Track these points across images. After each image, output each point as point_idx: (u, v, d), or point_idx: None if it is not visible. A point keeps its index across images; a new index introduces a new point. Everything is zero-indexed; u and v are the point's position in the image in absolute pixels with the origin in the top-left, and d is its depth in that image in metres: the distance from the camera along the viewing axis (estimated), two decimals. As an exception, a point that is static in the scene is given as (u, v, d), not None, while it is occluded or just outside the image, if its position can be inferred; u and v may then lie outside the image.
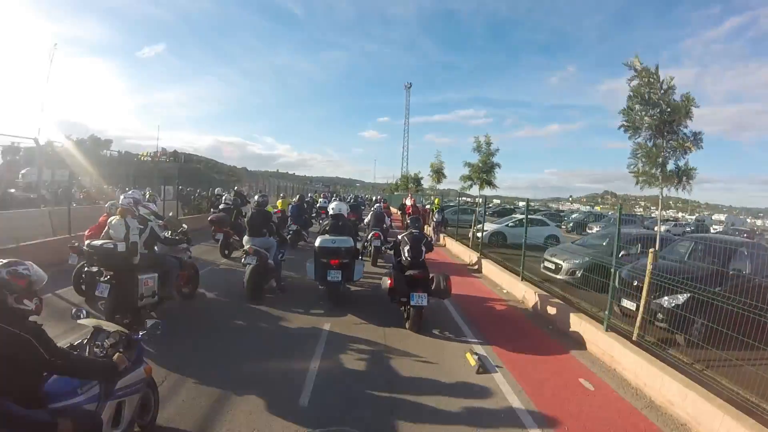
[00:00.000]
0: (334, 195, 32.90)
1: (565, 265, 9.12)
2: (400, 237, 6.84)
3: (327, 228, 7.22)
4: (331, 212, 7.49)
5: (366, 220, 12.35)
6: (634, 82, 6.80)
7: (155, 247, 5.62)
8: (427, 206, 21.68)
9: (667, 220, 40.13)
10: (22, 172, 20.13)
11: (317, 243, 6.90)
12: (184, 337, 5.11)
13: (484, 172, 14.19)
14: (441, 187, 39.41)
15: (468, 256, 12.44)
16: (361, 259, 7.66)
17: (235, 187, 18.46)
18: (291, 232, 11.89)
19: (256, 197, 8.09)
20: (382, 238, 10.85)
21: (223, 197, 12.56)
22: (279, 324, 5.86)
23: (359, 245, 8.55)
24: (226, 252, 9.95)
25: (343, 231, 7.13)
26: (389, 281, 6.11)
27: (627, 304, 6.06)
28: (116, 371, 2.58)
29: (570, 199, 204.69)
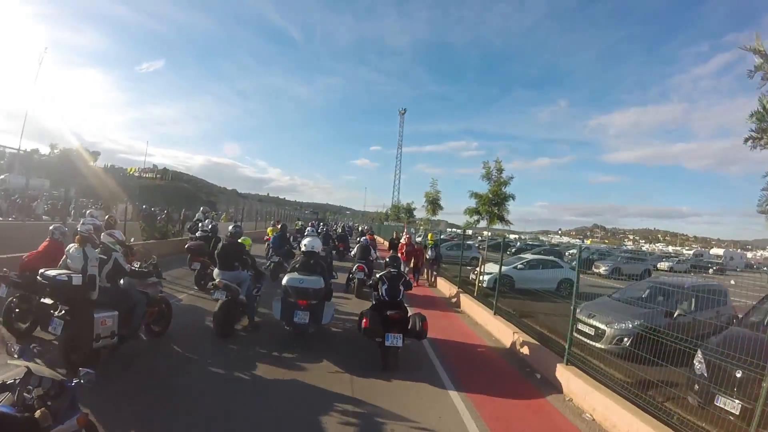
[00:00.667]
0: (322, 223, 30.63)
1: (609, 331, 6.96)
2: (378, 275, 6.81)
3: (297, 265, 6.82)
4: (302, 248, 7.09)
5: (353, 252, 12.62)
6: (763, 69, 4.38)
7: (120, 281, 5.26)
8: (418, 239, 18.51)
9: (669, 255, 39.65)
10: (1, 177, 19.59)
11: (284, 281, 6.54)
12: (130, 382, 4.66)
13: (494, 204, 11.83)
14: (435, 218, 38.42)
15: (475, 310, 9.78)
16: (332, 302, 7.14)
17: (201, 208, 17.79)
18: (272, 264, 11.42)
19: (229, 228, 7.67)
20: (366, 270, 10.89)
21: (202, 223, 12.08)
22: (244, 371, 5.31)
23: (356, 275, 10.72)
24: (202, 282, 9.34)
25: (314, 269, 6.67)
26: (364, 321, 5.97)
27: (725, 404, 4.20)
28: (37, 429, 2.34)
29: (559, 232, 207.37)
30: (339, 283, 11.04)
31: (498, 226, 12.41)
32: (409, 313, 6.13)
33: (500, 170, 11.89)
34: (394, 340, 5.73)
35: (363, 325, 5.96)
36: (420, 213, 34.06)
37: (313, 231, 14.64)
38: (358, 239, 19.85)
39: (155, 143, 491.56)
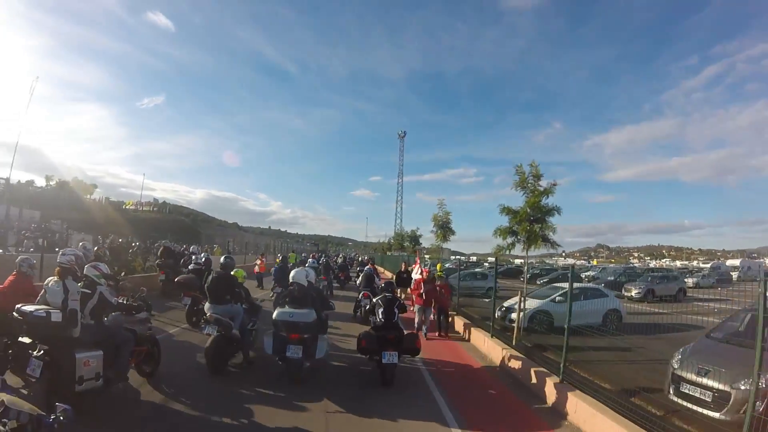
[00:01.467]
0: (323, 254, 30.76)
1: (736, 394, 4.61)
2: (374, 300, 7.37)
3: (287, 299, 6.57)
4: (291, 279, 6.84)
5: (358, 282, 13.34)
6: None
7: (105, 318, 4.92)
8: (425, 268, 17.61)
9: (691, 270, 35.97)
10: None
11: (274, 315, 6.34)
12: (114, 426, 4.32)
13: (534, 221, 9.19)
14: (444, 245, 36.53)
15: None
16: (326, 336, 6.86)
17: (162, 242, 17.68)
18: (274, 295, 11.23)
19: (221, 259, 7.35)
20: (371, 297, 10.87)
21: (195, 257, 12.03)
22: (238, 415, 4.85)
23: (363, 304, 10.23)
24: (194, 319, 8.84)
25: (305, 302, 6.39)
26: (363, 341, 6.50)
27: None
28: None
29: (563, 254, 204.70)
30: (342, 312, 11.12)
31: (537, 251, 9.79)
32: (404, 333, 6.68)
33: (538, 176, 9.25)
34: (391, 357, 6.18)
35: (361, 344, 6.50)
36: (427, 240, 32.55)
37: (314, 263, 15.12)
38: (358, 269, 21.99)
39: (156, 177, 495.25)
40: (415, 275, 10.93)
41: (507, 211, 9.65)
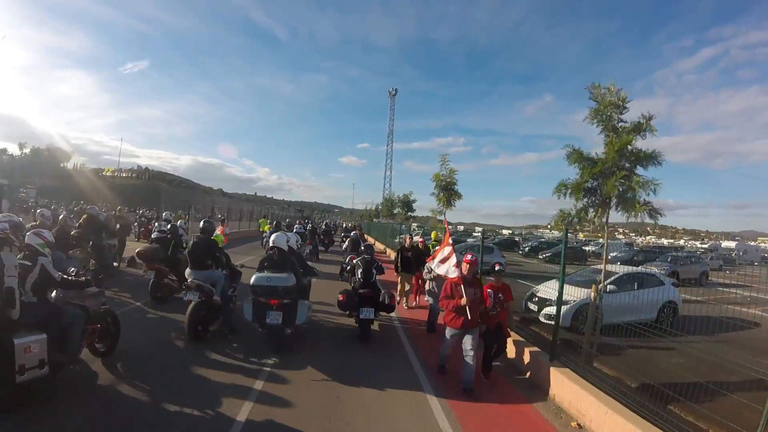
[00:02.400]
0: (308, 221, 30.34)
1: None
2: (354, 261, 7.87)
3: (265, 263, 6.30)
4: (271, 244, 6.59)
5: (344, 246, 13.95)
6: None
7: (50, 293, 4.27)
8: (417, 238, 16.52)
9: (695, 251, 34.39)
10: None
11: (251, 280, 6.11)
12: (68, 418, 3.80)
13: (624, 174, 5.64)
14: (419, 214, 32.61)
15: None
16: (308, 301, 6.80)
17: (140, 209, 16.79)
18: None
19: (200, 223, 7.03)
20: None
21: (158, 224, 10.24)
22: (200, 400, 4.32)
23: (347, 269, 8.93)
24: (159, 295, 7.94)
25: (284, 266, 6.17)
26: (341, 297, 6.93)
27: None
28: None
29: (549, 226, 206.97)
30: (327, 272, 11.21)
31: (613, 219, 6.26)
32: (381, 292, 7.03)
33: (623, 103, 5.92)
34: (367, 313, 6.73)
35: (340, 300, 6.93)
36: (422, 208, 29.73)
37: (301, 228, 16.03)
38: (342, 235, 25.40)
39: (143, 144, 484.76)
40: (445, 269, 5.94)
41: (578, 158, 6.15)
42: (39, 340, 3.81)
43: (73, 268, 5.00)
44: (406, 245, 9.81)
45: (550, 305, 8.11)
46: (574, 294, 7.25)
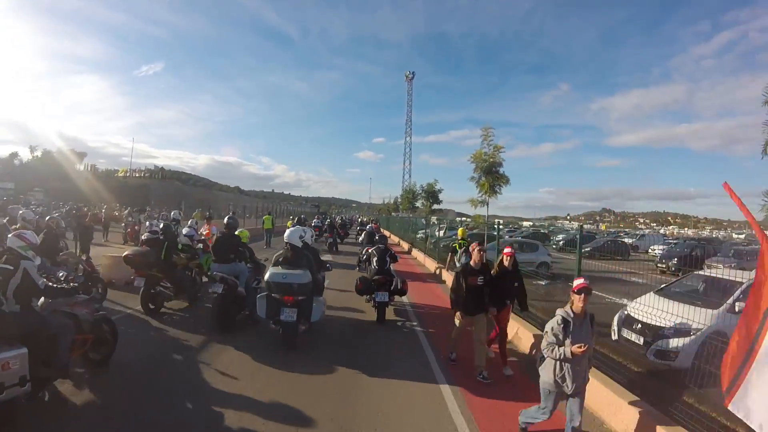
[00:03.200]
0: (326, 216, 32.34)
1: None
2: (371, 250, 8.63)
3: (280, 259, 6.25)
4: (285, 240, 6.42)
5: (360, 239, 14.81)
6: None
7: (35, 302, 3.87)
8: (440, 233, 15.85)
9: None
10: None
11: (266, 276, 6.03)
12: None
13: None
14: (447, 206, 30.89)
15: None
16: (323, 298, 6.83)
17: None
18: None
19: (225, 219, 7.57)
20: None
21: (150, 223, 8.75)
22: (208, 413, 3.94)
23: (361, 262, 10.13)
24: (151, 306, 7.03)
25: (299, 263, 6.07)
26: (359, 283, 7.84)
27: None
28: None
29: (568, 217, 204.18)
30: (344, 263, 12.69)
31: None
32: (394, 278, 7.82)
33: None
34: (382, 296, 7.49)
35: (358, 287, 7.81)
36: (452, 202, 27.39)
37: (318, 223, 18.86)
38: (358, 228, 27.46)
39: (160, 146, 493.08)
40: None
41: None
42: (19, 354, 3.41)
43: (62, 273, 4.55)
44: (473, 263, 5.43)
45: (668, 336, 5.49)
46: (689, 316, 4.80)
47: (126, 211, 22.50)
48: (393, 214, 45.66)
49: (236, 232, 7.32)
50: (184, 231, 9.25)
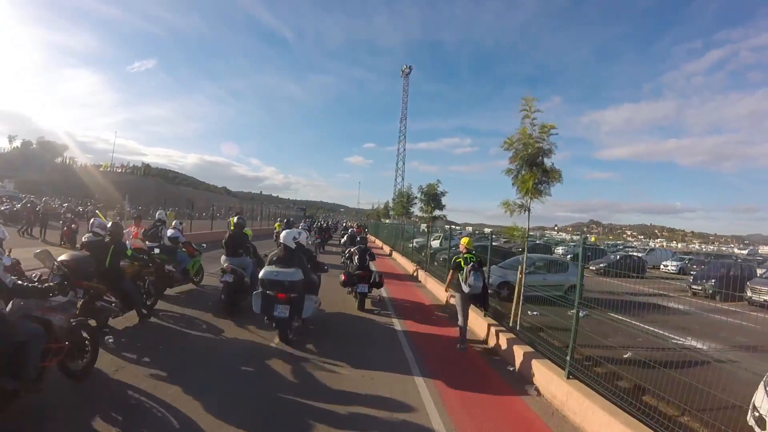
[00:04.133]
0: (312, 219, 36.36)
1: None
2: (352, 249, 10.18)
3: (274, 258, 6.74)
4: (280, 241, 6.97)
5: (343, 240, 16.31)
6: None
7: (4, 304, 3.52)
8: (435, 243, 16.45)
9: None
10: None
11: (261, 274, 6.52)
12: None
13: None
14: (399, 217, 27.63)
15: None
16: (316, 296, 7.20)
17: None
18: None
19: (234, 219, 8.78)
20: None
21: (92, 221, 6.79)
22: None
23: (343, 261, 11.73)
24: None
25: (292, 262, 6.58)
26: (343, 276, 9.22)
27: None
28: None
29: (556, 228, 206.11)
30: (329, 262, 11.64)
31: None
32: (372, 273, 9.31)
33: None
34: (362, 288, 8.92)
35: (343, 279, 9.17)
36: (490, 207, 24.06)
37: (305, 225, 19.27)
38: (341, 232, 30.27)
39: (149, 143, 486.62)
40: None
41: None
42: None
43: (37, 272, 4.10)
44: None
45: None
46: None
47: (65, 206, 19.61)
48: (383, 220, 42.79)
49: (244, 230, 8.50)
50: (169, 232, 8.85)
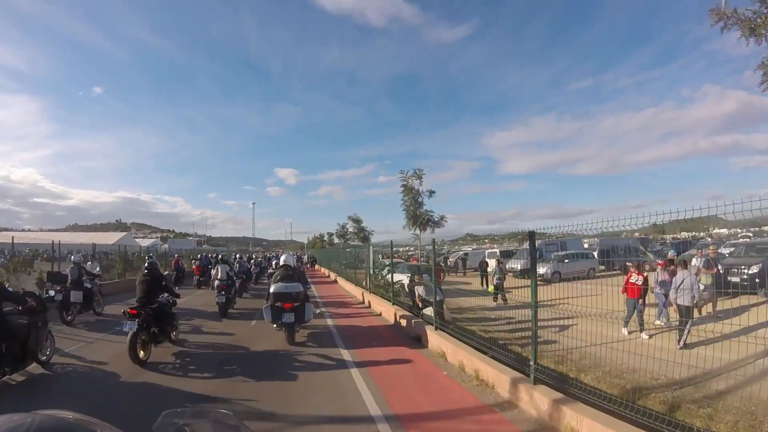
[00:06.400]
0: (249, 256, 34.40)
1: None
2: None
3: (278, 277, 8.64)
4: (281, 262, 9.26)
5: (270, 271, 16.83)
6: None
7: None
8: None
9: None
10: None
11: (272, 289, 8.36)
12: None
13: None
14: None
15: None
16: (311, 302, 8.98)
17: None
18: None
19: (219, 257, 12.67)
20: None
21: None
22: None
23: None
24: None
25: (293, 278, 8.64)
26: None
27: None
28: None
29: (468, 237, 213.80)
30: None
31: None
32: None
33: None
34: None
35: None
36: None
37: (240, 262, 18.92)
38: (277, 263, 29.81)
39: (76, 181, 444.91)
40: None
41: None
42: None
43: None
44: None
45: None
46: None
47: None
48: (340, 245, 37.52)
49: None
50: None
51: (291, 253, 20.37)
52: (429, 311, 8.67)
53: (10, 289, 6.30)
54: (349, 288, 18.31)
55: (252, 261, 25.92)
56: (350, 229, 33.17)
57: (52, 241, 18.16)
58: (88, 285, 11.00)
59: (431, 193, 19.04)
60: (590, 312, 4.67)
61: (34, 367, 6.28)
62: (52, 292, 10.13)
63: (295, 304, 8.05)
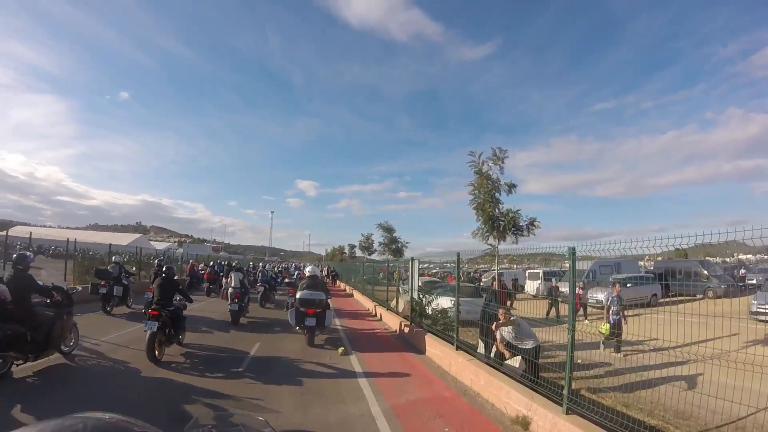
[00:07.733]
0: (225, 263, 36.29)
1: None
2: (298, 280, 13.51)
3: (304, 285, 9.75)
4: (307, 273, 10.47)
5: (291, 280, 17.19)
6: None
7: None
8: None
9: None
10: None
11: (298, 296, 9.55)
12: None
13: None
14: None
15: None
16: (332, 310, 10.07)
17: None
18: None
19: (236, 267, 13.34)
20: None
21: None
22: None
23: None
24: None
25: (317, 287, 9.75)
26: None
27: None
28: None
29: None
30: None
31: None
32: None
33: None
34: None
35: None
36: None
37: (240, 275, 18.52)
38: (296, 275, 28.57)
39: (98, 182, 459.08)
40: None
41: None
42: None
43: None
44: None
45: None
46: None
47: None
48: (362, 257, 32.61)
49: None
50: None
51: (316, 264, 20.90)
52: (515, 362, 6.41)
53: (40, 282, 6.45)
54: (371, 307, 16.04)
55: (277, 270, 26.43)
56: (379, 240, 28.09)
57: (67, 239, 19.43)
58: (125, 282, 12.68)
59: (511, 187, 12.65)
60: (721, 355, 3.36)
61: (56, 357, 6.68)
62: (103, 290, 11.81)
63: (317, 310, 9.14)
